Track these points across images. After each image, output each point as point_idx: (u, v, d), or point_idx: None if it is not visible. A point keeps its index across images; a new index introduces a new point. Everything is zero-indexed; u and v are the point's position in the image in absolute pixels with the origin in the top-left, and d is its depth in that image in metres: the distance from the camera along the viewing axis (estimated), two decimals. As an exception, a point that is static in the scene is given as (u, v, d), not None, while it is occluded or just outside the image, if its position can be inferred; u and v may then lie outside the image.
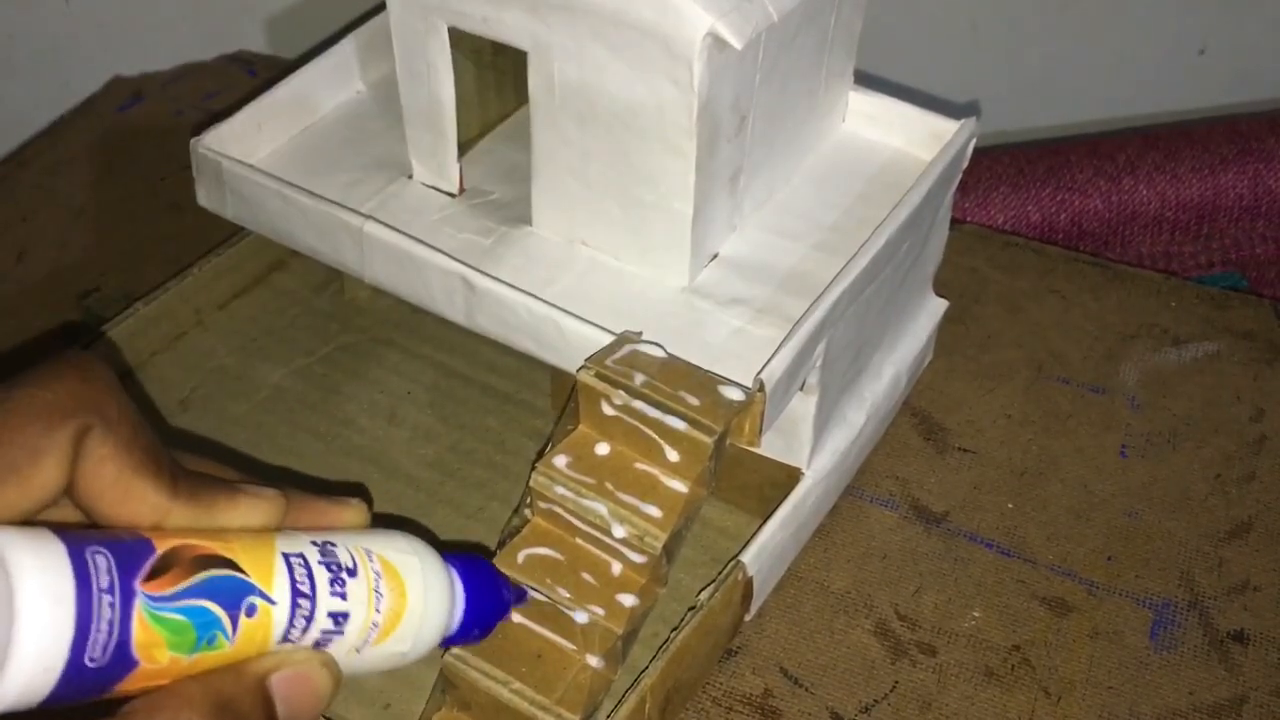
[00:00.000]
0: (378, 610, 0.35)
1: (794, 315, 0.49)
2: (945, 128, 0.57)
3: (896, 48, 0.95)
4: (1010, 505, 0.59)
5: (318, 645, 0.34)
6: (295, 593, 0.33)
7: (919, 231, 0.55)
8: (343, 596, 0.34)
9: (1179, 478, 0.60)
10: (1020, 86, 1.03)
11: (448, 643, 0.39)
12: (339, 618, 0.34)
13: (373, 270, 0.53)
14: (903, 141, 0.58)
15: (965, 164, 0.57)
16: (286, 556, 0.33)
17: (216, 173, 0.56)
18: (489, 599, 0.40)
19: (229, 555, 0.32)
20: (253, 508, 0.34)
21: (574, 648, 0.45)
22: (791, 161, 0.56)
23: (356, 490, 0.51)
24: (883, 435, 0.61)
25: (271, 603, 0.32)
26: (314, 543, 0.35)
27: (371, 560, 0.36)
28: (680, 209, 0.49)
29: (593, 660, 0.45)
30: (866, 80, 0.58)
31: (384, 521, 0.39)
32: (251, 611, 0.32)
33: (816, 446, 0.53)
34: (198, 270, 0.62)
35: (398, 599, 0.36)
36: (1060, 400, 0.64)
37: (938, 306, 0.63)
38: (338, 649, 0.34)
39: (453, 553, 0.39)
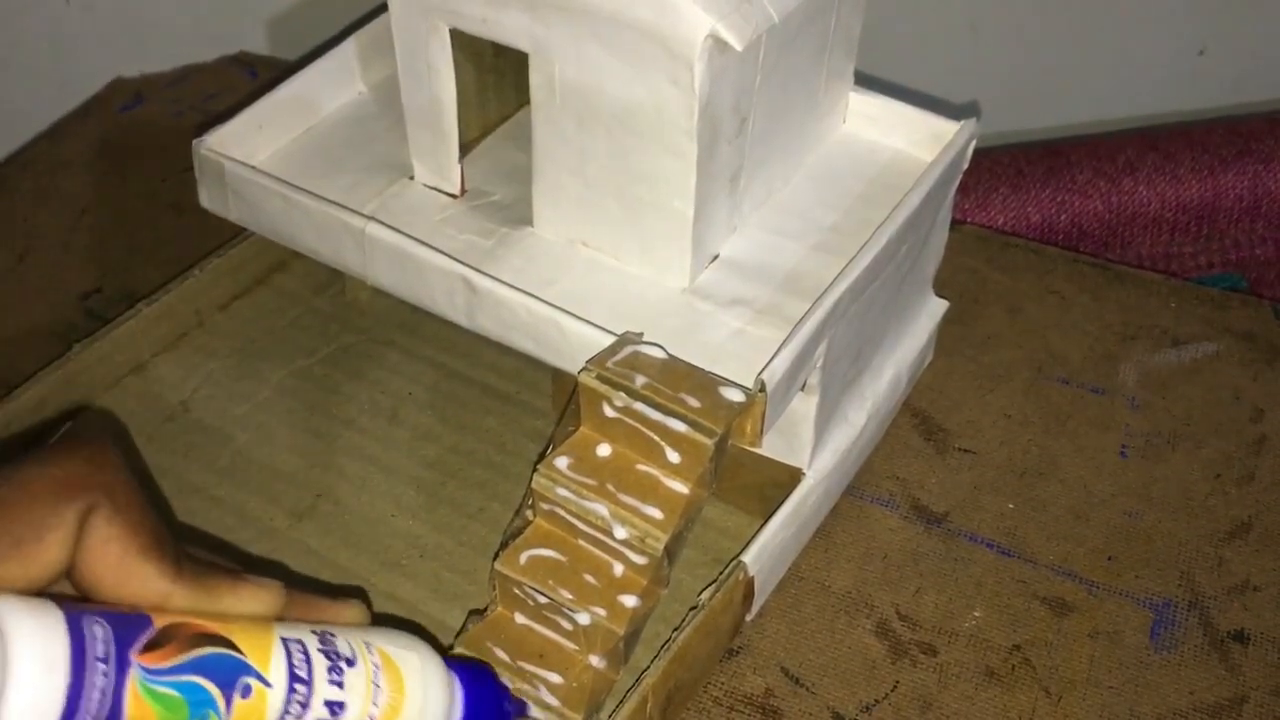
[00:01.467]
0: (375, 704, 0.34)
1: (794, 316, 0.49)
2: (945, 128, 0.57)
3: (896, 48, 0.95)
4: (1010, 505, 0.59)
5: None
6: (292, 677, 0.33)
7: (919, 232, 0.55)
8: (340, 685, 0.34)
9: (1179, 478, 0.60)
10: (1020, 87, 1.03)
11: None
12: (335, 707, 0.33)
13: (374, 271, 0.53)
14: (903, 142, 0.58)
15: (965, 165, 0.57)
16: (285, 641, 0.33)
17: (218, 174, 0.56)
18: (489, 706, 0.39)
19: (227, 635, 0.32)
20: (254, 596, 0.34)
21: (576, 648, 0.45)
22: (792, 162, 0.56)
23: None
24: (883, 435, 0.61)
25: (268, 685, 0.32)
26: (314, 632, 0.34)
27: (371, 653, 0.35)
28: (681, 210, 0.49)
29: (595, 660, 0.45)
30: (866, 80, 0.58)
31: (387, 623, 0.38)
32: (247, 693, 0.32)
33: (817, 447, 0.53)
34: (199, 271, 0.62)
35: (396, 694, 0.35)
36: (1060, 400, 0.64)
37: (938, 307, 0.63)
38: None
39: (456, 657, 0.39)
